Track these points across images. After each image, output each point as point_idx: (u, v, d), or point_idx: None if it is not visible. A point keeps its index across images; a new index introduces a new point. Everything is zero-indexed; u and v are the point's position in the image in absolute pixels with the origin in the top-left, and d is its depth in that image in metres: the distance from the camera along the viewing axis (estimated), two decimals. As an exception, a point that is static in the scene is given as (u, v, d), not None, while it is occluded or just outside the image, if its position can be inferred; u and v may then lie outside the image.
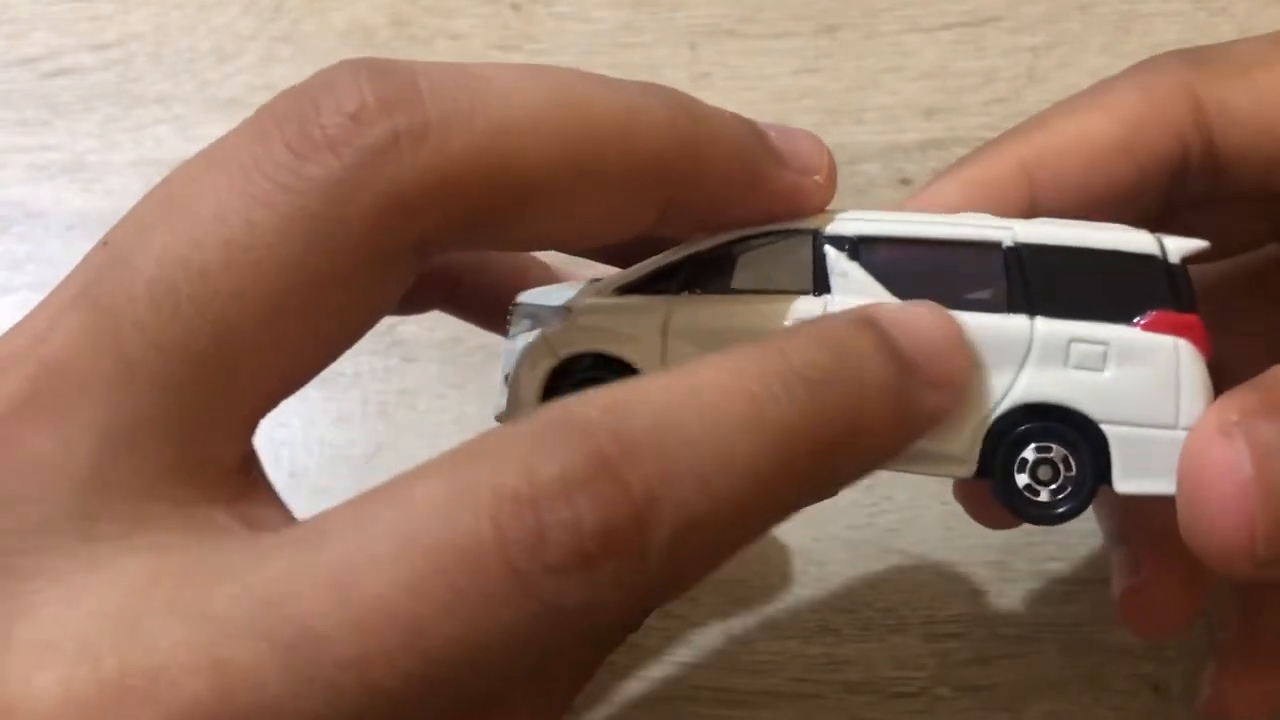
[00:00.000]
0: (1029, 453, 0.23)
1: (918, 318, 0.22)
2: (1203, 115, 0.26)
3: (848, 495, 0.34)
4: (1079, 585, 0.33)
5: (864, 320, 0.22)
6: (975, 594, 0.33)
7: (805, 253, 0.24)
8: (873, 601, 0.33)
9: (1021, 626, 0.32)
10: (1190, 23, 0.39)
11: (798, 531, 0.34)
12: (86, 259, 0.20)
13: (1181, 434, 0.22)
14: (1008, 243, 0.23)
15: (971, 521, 0.33)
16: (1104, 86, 0.27)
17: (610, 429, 0.18)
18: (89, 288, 0.20)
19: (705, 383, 0.20)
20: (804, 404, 0.20)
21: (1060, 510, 0.23)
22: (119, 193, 0.39)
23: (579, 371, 0.24)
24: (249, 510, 0.21)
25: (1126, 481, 0.22)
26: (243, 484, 0.21)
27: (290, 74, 0.33)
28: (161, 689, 0.17)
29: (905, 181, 0.38)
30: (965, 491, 0.29)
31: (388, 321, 0.29)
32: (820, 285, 0.23)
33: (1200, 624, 0.32)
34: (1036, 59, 0.39)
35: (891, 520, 0.34)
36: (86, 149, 0.39)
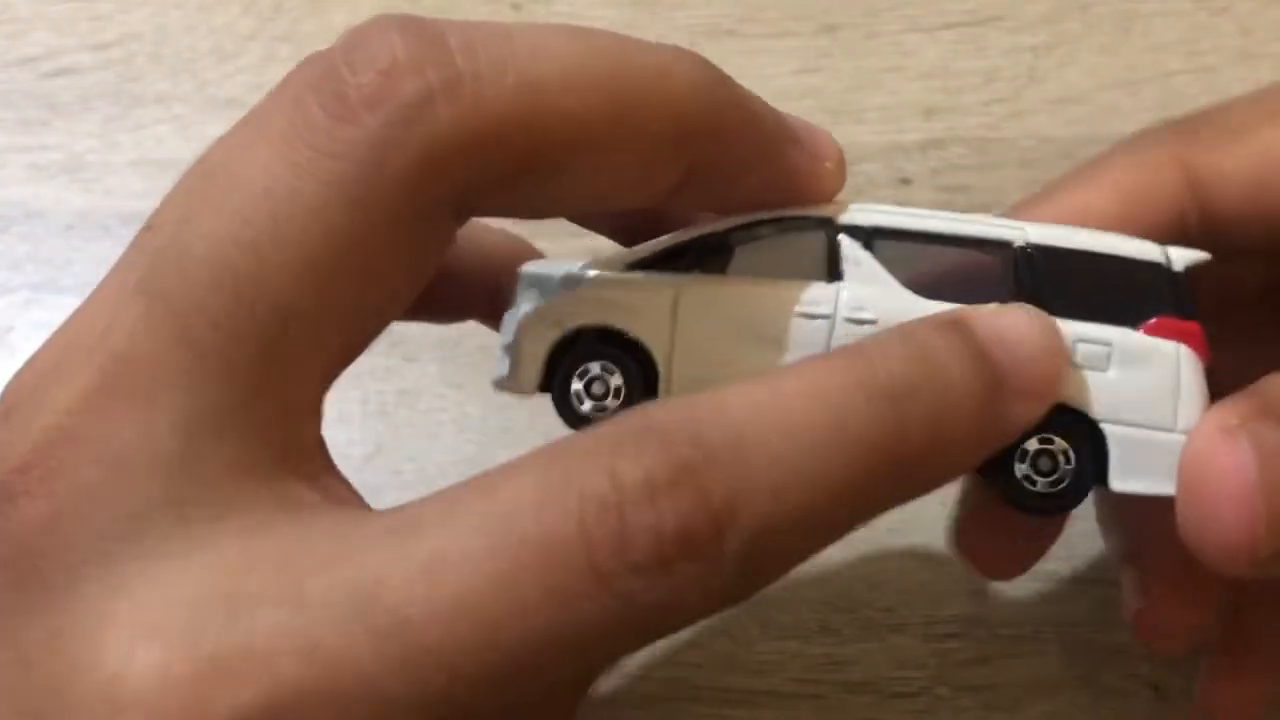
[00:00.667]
0: (1031, 444, 0.23)
1: (1015, 323, 0.22)
2: (1197, 184, 0.26)
3: (848, 495, 0.34)
4: (1079, 585, 0.33)
5: (955, 324, 0.22)
6: (975, 594, 0.33)
7: (819, 240, 0.24)
8: (873, 601, 0.33)
9: (1021, 626, 0.32)
10: (1191, 23, 0.39)
11: (798, 531, 0.34)
12: (135, 245, 0.21)
13: (1179, 437, 0.22)
14: (1019, 243, 0.23)
15: (972, 521, 0.33)
16: (1097, 163, 0.27)
17: (691, 436, 0.19)
18: (146, 276, 0.20)
19: (787, 392, 0.20)
20: (886, 417, 0.20)
21: (1056, 502, 0.23)
22: (119, 193, 0.38)
23: (582, 344, 0.24)
24: (330, 486, 0.21)
25: (1122, 480, 0.23)
26: (321, 461, 0.21)
27: (290, 74, 0.33)
28: (259, 670, 0.18)
29: (905, 181, 0.38)
30: (967, 544, 0.29)
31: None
32: (834, 273, 0.24)
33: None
34: (1037, 59, 0.39)
35: (891, 520, 0.34)
36: (86, 149, 0.39)
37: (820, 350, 0.23)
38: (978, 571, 0.30)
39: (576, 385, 0.24)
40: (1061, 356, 0.22)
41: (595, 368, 0.24)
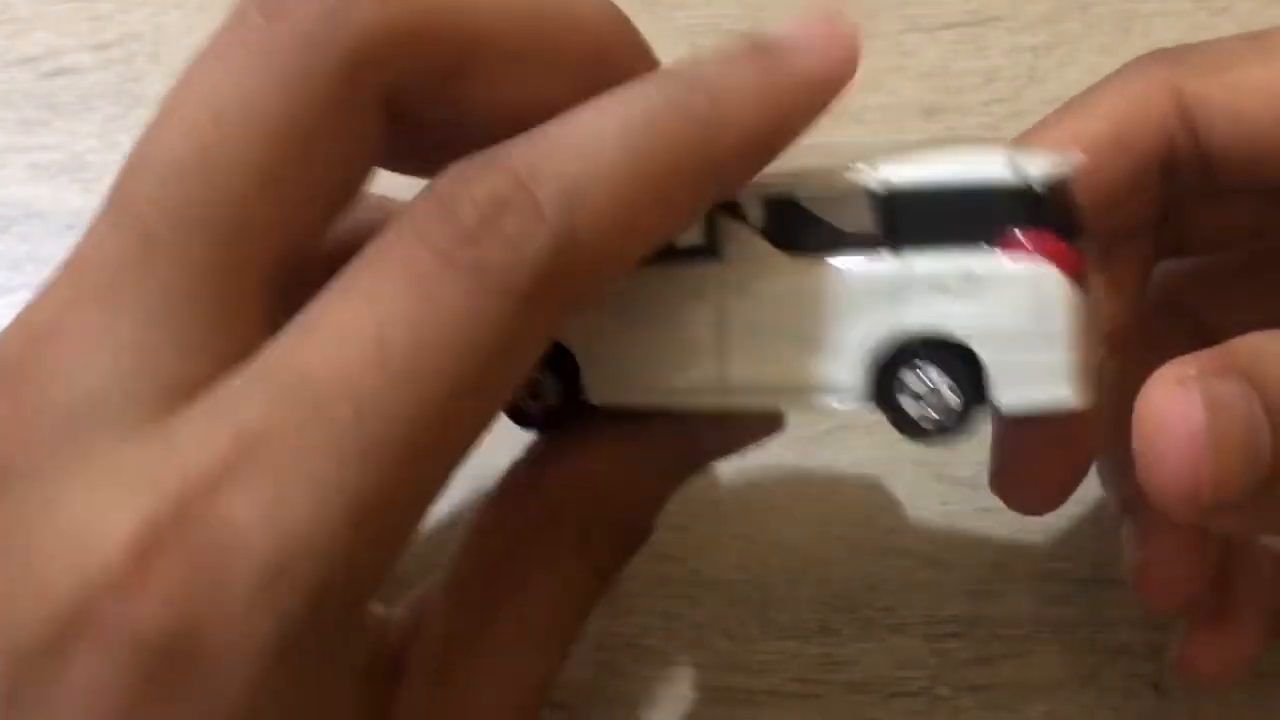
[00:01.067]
0: (911, 379, 0.24)
1: (797, 24, 0.25)
2: (1186, 111, 0.27)
3: (847, 494, 0.34)
4: (1079, 585, 0.33)
5: (745, 39, 0.25)
6: (975, 594, 0.33)
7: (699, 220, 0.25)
8: (873, 601, 0.33)
9: (1021, 626, 0.32)
10: (1190, 23, 0.39)
11: (798, 531, 0.34)
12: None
13: (1047, 348, 0.23)
14: (878, 189, 0.24)
15: (972, 522, 0.34)
16: (1089, 92, 0.28)
17: (494, 150, 0.22)
18: (114, 189, 0.23)
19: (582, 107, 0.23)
20: (670, 88, 0.23)
21: (943, 429, 0.24)
22: (119, 193, 0.39)
23: None
24: None
25: (1003, 397, 0.24)
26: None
27: (290, 74, 0.32)
28: (205, 506, 0.20)
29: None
30: (1001, 481, 0.29)
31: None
32: (714, 249, 0.25)
33: (1200, 624, 0.32)
34: (1037, 59, 0.39)
35: (891, 520, 0.34)
36: (86, 149, 0.39)
37: (713, 327, 0.25)
38: (1020, 507, 0.29)
39: (521, 393, 0.27)
40: (845, 40, 0.26)
41: (536, 375, 0.26)
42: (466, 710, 0.25)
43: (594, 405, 0.27)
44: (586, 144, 0.22)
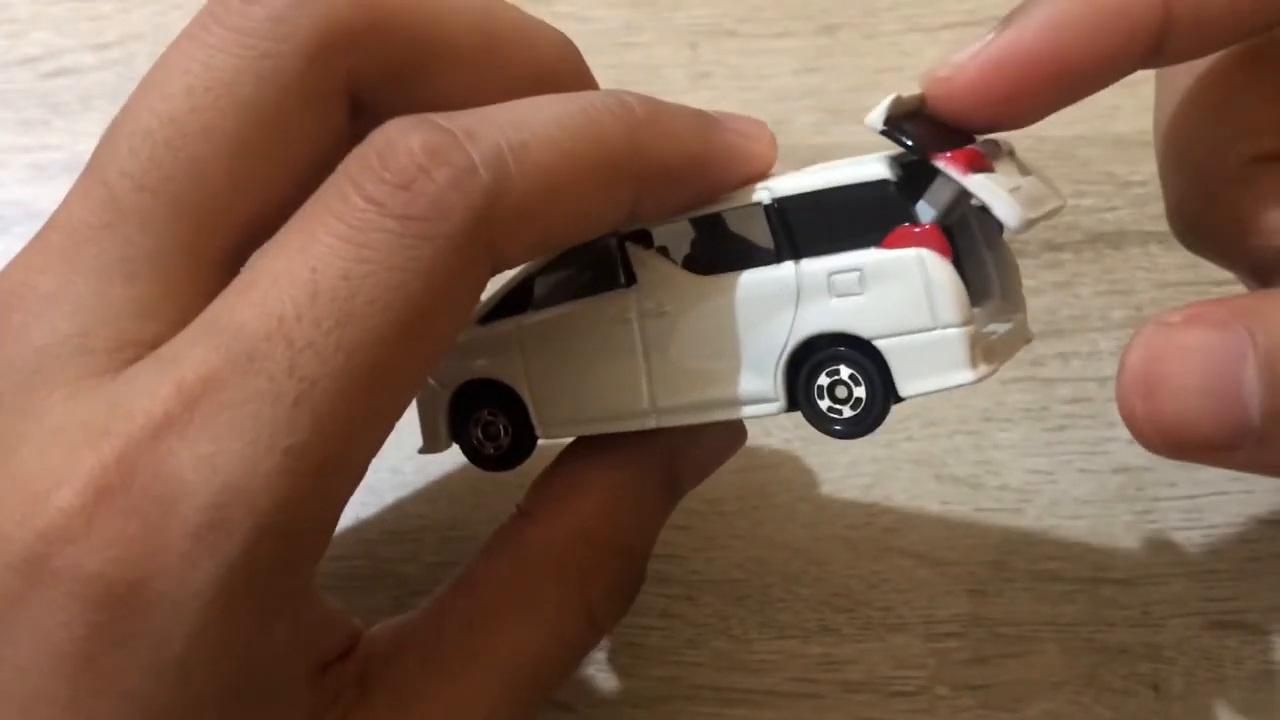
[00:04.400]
0: (821, 379, 0.25)
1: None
2: None
3: (847, 494, 0.34)
4: (1079, 585, 0.33)
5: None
6: (975, 594, 0.33)
7: (609, 249, 0.27)
8: (872, 601, 0.33)
9: (1021, 626, 0.32)
10: (1190, 23, 0.39)
11: (798, 531, 0.34)
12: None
13: (941, 332, 0.24)
14: (766, 201, 0.26)
15: (971, 521, 0.34)
16: None
17: (433, 114, 0.23)
18: (90, 158, 0.24)
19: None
20: (614, 97, 0.24)
21: (862, 423, 0.25)
22: (119, 192, 0.38)
23: (464, 398, 0.29)
24: None
25: (908, 385, 0.25)
26: None
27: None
28: (145, 453, 0.21)
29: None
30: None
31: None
32: (629, 277, 0.27)
33: (1199, 624, 0.32)
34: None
35: (891, 520, 0.34)
36: (86, 149, 0.39)
37: (638, 351, 0.27)
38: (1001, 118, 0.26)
39: (476, 433, 0.29)
40: (767, 131, 0.26)
41: (484, 414, 0.28)
42: None
43: (541, 439, 0.28)
44: (526, 117, 0.23)
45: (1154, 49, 0.24)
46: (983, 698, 0.32)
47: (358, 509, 0.34)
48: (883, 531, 0.34)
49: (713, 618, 0.33)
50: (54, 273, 0.23)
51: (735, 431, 0.30)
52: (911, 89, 0.25)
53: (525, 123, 0.23)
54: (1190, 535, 0.33)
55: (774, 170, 0.27)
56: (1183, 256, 0.36)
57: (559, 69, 0.27)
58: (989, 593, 0.33)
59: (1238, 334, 0.22)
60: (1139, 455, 0.34)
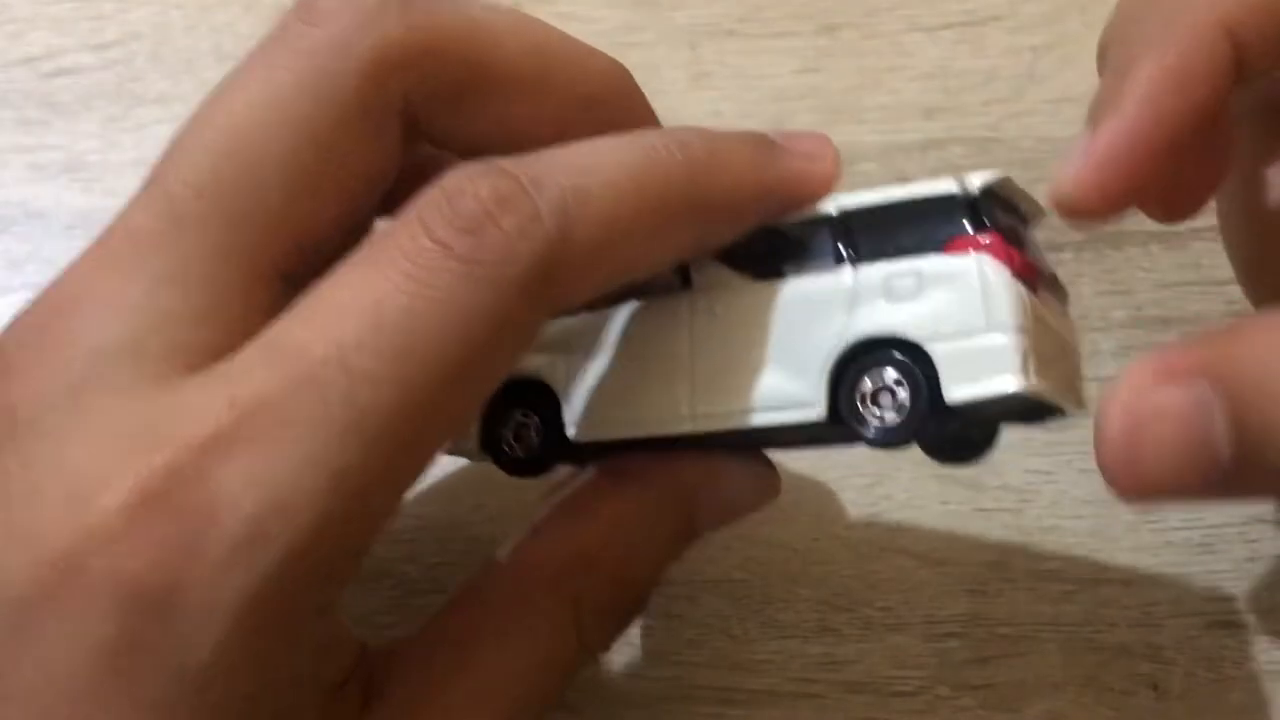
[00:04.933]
0: (865, 384, 0.25)
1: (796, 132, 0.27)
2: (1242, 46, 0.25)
3: (847, 494, 0.34)
4: (1079, 585, 0.33)
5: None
6: (975, 594, 0.33)
7: None
8: (873, 601, 0.33)
9: (1021, 626, 0.32)
10: (1190, 23, 0.39)
11: (798, 531, 0.34)
12: None
13: (992, 336, 0.24)
14: (832, 212, 0.26)
15: (971, 521, 0.34)
16: (1133, 53, 0.25)
17: (500, 159, 0.23)
18: (153, 170, 0.25)
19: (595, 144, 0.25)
20: (673, 135, 0.25)
21: (900, 431, 0.25)
22: (119, 193, 0.38)
23: (497, 402, 0.28)
24: None
25: (954, 390, 0.24)
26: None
27: (290, 74, 0.32)
28: (193, 463, 0.21)
29: (905, 181, 0.38)
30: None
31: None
32: (684, 280, 0.27)
33: (1199, 624, 0.32)
34: (1036, 59, 0.39)
35: (891, 520, 0.34)
36: (86, 149, 0.39)
37: (686, 353, 0.26)
38: (1155, 214, 0.28)
39: (507, 435, 0.28)
40: (830, 147, 0.27)
41: (518, 415, 0.28)
42: None
43: (575, 444, 0.27)
44: (588, 162, 0.24)
45: (1237, 76, 0.25)
46: (983, 698, 0.32)
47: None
48: (883, 531, 0.34)
49: (713, 618, 0.33)
50: (112, 279, 0.23)
51: (764, 479, 0.29)
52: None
53: (589, 169, 0.23)
54: (1190, 535, 0.33)
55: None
56: (1183, 256, 0.36)
57: (611, 96, 0.27)
58: (989, 593, 0.33)
59: (1204, 388, 0.22)
60: (1139, 455, 0.34)
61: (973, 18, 0.40)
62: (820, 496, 0.34)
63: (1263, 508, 0.33)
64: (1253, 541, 0.33)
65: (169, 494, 0.21)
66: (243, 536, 0.21)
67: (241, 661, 0.21)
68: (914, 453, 0.34)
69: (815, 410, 0.25)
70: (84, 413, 0.22)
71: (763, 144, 0.26)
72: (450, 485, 0.34)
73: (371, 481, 0.22)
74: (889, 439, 0.25)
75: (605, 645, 0.29)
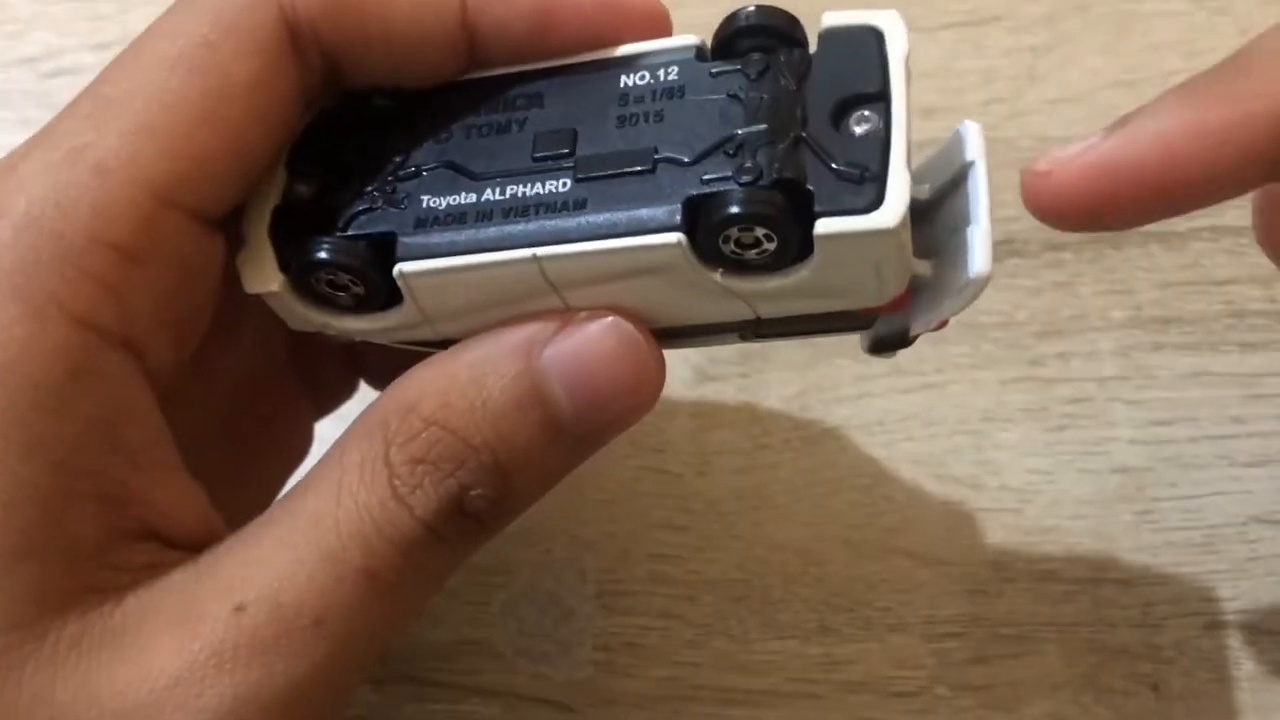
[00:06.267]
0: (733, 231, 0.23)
1: (596, 360, 0.25)
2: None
3: (847, 495, 0.34)
4: (1079, 585, 0.33)
5: (528, 396, 0.24)
6: (975, 594, 0.33)
7: None
8: (872, 601, 0.33)
9: (1021, 626, 0.32)
10: (1190, 23, 0.39)
11: (798, 531, 0.34)
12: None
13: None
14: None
15: (971, 521, 0.34)
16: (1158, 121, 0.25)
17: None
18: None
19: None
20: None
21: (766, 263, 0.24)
22: (119, 193, 0.38)
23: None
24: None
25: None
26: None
27: (290, 74, 0.32)
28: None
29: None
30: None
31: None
32: None
33: (1199, 624, 0.32)
34: (1036, 59, 0.39)
35: (891, 520, 0.34)
36: (86, 149, 0.39)
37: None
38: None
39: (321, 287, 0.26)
40: (647, 377, 0.25)
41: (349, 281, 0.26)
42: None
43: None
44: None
45: (1274, 167, 0.24)
46: (983, 698, 0.32)
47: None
48: (883, 531, 0.34)
49: (713, 618, 0.33)
50: None
51: (625, 341, 0.25)
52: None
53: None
54: (1190, 535, 0.33)
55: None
56: (1183, 256, 0.36)
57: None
58: (989, 593, 0.33)
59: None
60: (1139, 455, 0.34)
61: (973, 18, 0.40)
62: (820, 496, 0.34)
63: (1262, 507, 0.33)
64: (1253, 541, 0.33)
65: None
66: None
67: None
68: (914, 453, 0.34)
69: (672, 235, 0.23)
70: None
71: (555, 426, 0.25)
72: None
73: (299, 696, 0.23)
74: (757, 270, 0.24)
75: (432, 510, 0.24)
